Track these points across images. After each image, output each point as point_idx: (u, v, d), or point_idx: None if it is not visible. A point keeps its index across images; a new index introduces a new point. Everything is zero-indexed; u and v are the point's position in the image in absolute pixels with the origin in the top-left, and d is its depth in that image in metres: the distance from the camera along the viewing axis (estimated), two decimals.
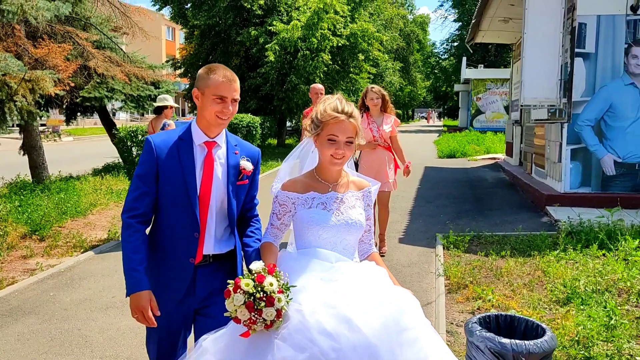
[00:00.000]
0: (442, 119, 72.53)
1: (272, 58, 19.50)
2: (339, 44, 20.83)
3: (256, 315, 2.02)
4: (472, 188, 12.05)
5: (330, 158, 2.39)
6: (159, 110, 7.69)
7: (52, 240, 7.21)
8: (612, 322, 4.16)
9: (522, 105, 10.36)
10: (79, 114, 14.08)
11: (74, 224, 8.24)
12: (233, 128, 16.19)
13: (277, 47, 19.78)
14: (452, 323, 4.54)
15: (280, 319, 2.04)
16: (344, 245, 2.43)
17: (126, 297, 2.34)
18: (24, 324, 4.72)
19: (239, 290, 2.05)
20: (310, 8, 20.35)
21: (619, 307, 4.54)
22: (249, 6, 20.97)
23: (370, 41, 22.42)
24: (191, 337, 2.56)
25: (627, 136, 8.60)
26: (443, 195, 10.90)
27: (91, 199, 9.54)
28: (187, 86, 25.29)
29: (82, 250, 6.97)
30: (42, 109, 10.51)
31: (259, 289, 2.05)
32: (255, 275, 2.09)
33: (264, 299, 2.03)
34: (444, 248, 6.73)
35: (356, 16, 22.74)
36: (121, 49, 11.67)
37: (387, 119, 6.44)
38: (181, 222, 2.40)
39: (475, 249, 6.69)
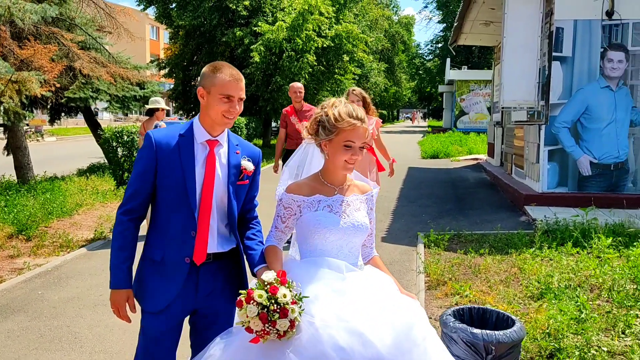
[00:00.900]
0: (426, 120, 73.06)
1: (257, 59, 19.61)
2: (324, 45, 21.00)
3: (270, 327, 2.02)
4: (454, 188, 12.29)
5: (344, 163, 2.39)
6: (150, 112, 7.84)
7: (39, 240, 7.28)
8: (583, 315, 4.37)
9: (502, 108, 10.60)
10: (63, 114, 14.07)
11: (60, 224, 8.30)
12: None
13: (262, 48, 19.89)
14: (431, 317, 4.71)
15: (293, 330, 2.04)
16: (350, 248, 2.43)
17: (109, 288, 2.44)
18: (13, 322, 4.80)
19: (252, 301, 2.04)
20: (295, 9, 20.49)
21: (590, 302, 4.75)
22: (234, 7, 21.06)
23: (355, 42, 22.62)
24: (180, 349, 2.57)
25: (602, 138, 8.87)
26: (425, 195, 11.11)
27: (77, 199, 9.59)
28: (172, 86, 25.27)
29: (68, 249, 7.05)
30: (26, 109, 10.52)
31: (273, 300, 2.04)
32: (269, 286, 2.07)
33: (278, 310, 2.02)
34: (424, 246, 6.92)
35: (341, 17, 22.92)
36: (106, 50, 11.72)
37: (369, 120, 6.57)
38: (178, 220, 2.39)
39: (455, 247, 6.89)
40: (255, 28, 20.64)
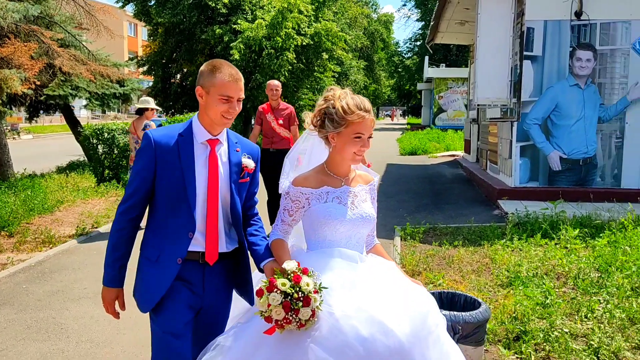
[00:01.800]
0: (406, 117, 73.61)
1: (236, 56, 19.68)
2: (304, 43, 21.16)
3: (292, 315, 2.03)
4: (431, 184, 12.57)
5: (353, 155, 2.39)
6: (140, 112, 8.05)
7: (21, 236, 7.34)
8: (548, 301, 4.63)
9: (477, 105, 10.92)
10: (42, 111, 14.03)
11: (41, 220, 8.36)
12: None
13: (241, 46, 19.98)
14: None
15: (314, 319, 2.06)
16: (357, 239, 2.45)
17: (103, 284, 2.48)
18: None
19: (275, 289, 2.06)
20: (274, 7, 20.62)
21: (556, 289, 5.02)
22: (214, 4, 21.10)
23: (334, 40, 22.81)
24: None
25: (571, 134, 9.21)
26: (403, 191, 11.36)
27: (57, 196, 9.64)
28: (151, 84, 25.18)
29: (51, 245, 7.13)
30: (6, 107, 10.52)
31: (297, 289, 2.05)
32: (292, 275, 2.09)
33: (301, 299, 2.04)
34: (401, 239, 7.15)
35: (320, 15, 23.10)
36: (86, 47, 11.74)
37: None
38: (175, 221, 2.37)
39: (430, 239, 7.13)
40: (234, 26, 20.72)
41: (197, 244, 2.39)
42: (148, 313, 2.46)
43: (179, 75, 24.94)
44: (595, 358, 3.76)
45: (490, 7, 9.48)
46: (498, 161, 10.80)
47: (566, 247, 6.22)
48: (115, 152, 11.34)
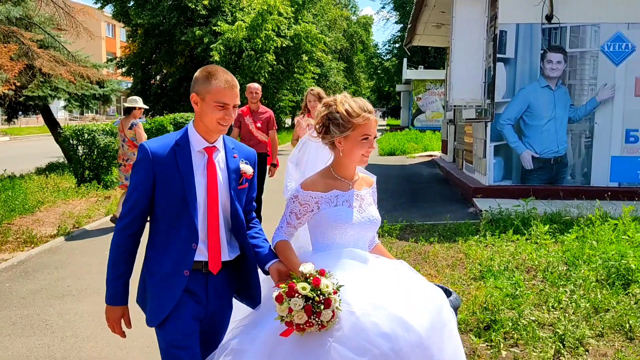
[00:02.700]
0: (385, 118, 74.10)
1: (217, 58, 19.77)
2: (283, 45, 21.33)
3: (315, 318, 2.03)
4: (409, 183, 12.82)
5: (361, 157, 2.42)
6: (128, 111, 8.18)
7: (3, 236, 7.37)
8: (517, 292, 4.86)
9: (454, 106, 11.19)
10: (20, 113, 13.96)
11: (22, 220, 8.38)
12: (179, 127, 16.40)
13: (221, 47, 20.07)
14: None
15: (334, 319, 2.07)
16: (364, 241, 2.48)
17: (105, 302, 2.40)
18: None
19: (296, 294, 2.05)
20: (254, 9, 20.75)
21: (526, 282, 5.25)
22: (193, 6, 21.16)
23: (313, 42, 23.02)
24: None
25: (543, 134, 9.52)
26: (382, 190, 11.47)
27: (38, 197, 9.66)
28: (131, 85, 25.10)
29: (33, 245, 7.17)
30: None
31: (318, 291, 2.05)
32: (311, 278, 2.09)
33: (322, 301, 2.03)
34: (378, 236, 7.32)
35: (300, 17, 23.29)
36: (65, 48, 11.74)
37: None
38: (178, 233, 2.32)
39: (407, 236, 7.34)
40: (214, 27, 20.81)
41: (200, 254, 2.35)
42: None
43: (158, 77, 24.91)
44: (560, 345, 3.97)
45: (465, 10, 9.76)
46: (473, 161, 11.09)
47: (536, 242, 6.46)
48: (96, 153, 11.36)
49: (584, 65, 9.45)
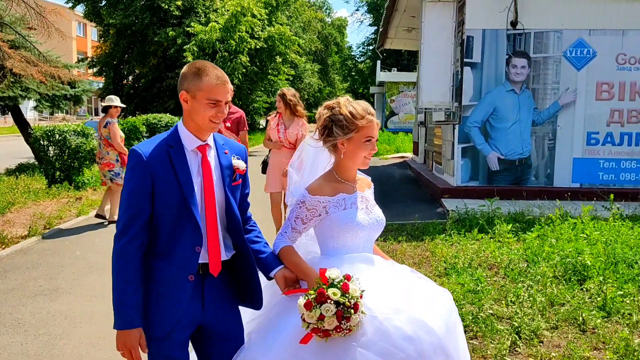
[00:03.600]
0: None
1: (190, 59, 19.76)
2: (257, 46, 21.42)
3: (345, 323, 2.04)
4: (380, 184, 13.03)
5: (363, 159, 2.43)
6: (105, 110, 8.46)
7: None
8: (479, 288, 5.08)
9: (424, 109, 11.46)
10: None
11: None
12: (152, 127, 16.36)
13: (195, 48, 20.08)
14: None
15: (359, 324, 2.09)
16: (371, 243, 2.51)
17: (114, 328, 2.20)
18: None
19: (327, 300, 2.05)
20: (228, 10, 20.82)
21: (487, 278, 5.48)
22: (166, 7, 21.12)
23: (287, 44, 23.16)
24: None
25: (508, 136, 9.84)
26: None
27: (8, 197, 9.59)
28: (103, 85, 24.88)
29: (4, 246, 7.16)
30: None
31: (348, 296, 2.06)
32: (340, 283, 2.10)
33: (352, 306, 2.05)
34: None
35: (274, 19, 23.41)
36: (36, 49, 11.66)
37: (296, 123, 6.61)
38: (181, 238, 2.23)
39: None
40: (188, 28, 20.81)
41: (200, 257, 2.29)
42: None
43: (130, 77, 24.75)
44: (516, 336, 4.19)
45: (433, 16, 10.02)
46: (442, 162, 11.38)
47: (500, 241, 6.71)
48: (67, 153, 11.30)
49: (547, 70, 9.79)
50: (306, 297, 2.10)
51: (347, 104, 2.42)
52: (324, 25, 61.23)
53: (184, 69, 2.28)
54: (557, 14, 9.71)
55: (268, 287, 2.45)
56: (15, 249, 7.05)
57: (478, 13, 9.72)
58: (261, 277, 2.44)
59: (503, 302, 4.91)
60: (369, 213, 2.46)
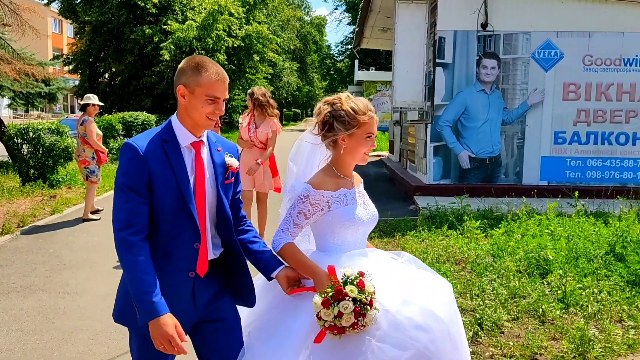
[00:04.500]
0: None
1: (167, 57, 19.73)
2: (235, 45, 21.45)
3: (361, 319, 2.07)
4: None
5: (363, 155, 2.46)
6: (83, 108, 8.62)
7: None
8: None
9: (399, 108, 11.63)
10: None
11: None
12: (128, 126, 16.31)
13: (172, 46, 20.03)
14: None
15: (374, 319, 2.12)
16: (366, 238, 2.53)
17: (140, 324, 2.11)
18: None
19: (346, 297, 2.07)
20: (205, 9, 20.80)
21: (454, 273, 5.65)
22: (143, 4, 21.01)
23: (265, 42, 23.22)
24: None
25: (479, 135, 10.08)
26: None
27: None
28: (78, 82, 24.65)
29: None
30: None
31: (364, 293, 2.09)
32: (357, 280, 2.12)
33: (368, 303, 2.08)
34: None
35: (251, 18, 23.45)
36: (10, 46, 11.57)
37: (267, 123, 6.59)
38: (179, 235, 2.20)
39: None
40: (164, 26, 20.74)
41: None
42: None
43: (107, 75, 24.56)
44: (478, 327, 4.36)
45: (406, 17, 10.21)
46: (415, 160, 11.59)
47: (468, 237, 6.91)
48: (41, 151, 11.24)
49: (516, 71, 10.05)
50: (323, 295, 2.10)
51: (348, 100, 2.42)
52: (303, 24, 61.31)
53: (182, 63, 2.23)
54: (525, 16, 9.97)
55: (268, 287, 2.44)
56: None
57: (449, 15, 9.93)
58: (261, 277, 2.43)
59: (468, 295, 5.08)
60: (366, 208, 2.49)
